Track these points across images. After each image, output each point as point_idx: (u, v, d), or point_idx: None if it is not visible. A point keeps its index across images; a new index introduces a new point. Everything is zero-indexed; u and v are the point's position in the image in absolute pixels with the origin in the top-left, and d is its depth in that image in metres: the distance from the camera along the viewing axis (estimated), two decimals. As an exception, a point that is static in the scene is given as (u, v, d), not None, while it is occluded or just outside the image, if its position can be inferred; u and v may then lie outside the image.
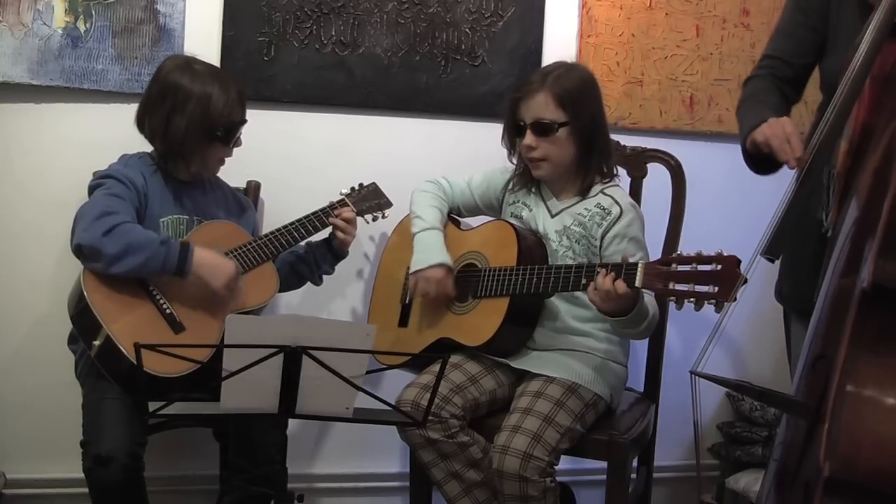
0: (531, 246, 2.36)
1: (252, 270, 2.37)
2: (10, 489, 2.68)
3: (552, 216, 2.42)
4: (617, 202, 2.35)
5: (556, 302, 2.38)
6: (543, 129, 2.33)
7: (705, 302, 1.97)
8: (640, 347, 2.70)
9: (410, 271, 2.43)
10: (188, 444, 2.70)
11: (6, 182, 2.63)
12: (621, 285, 2.07)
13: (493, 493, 2.28)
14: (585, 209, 2.37)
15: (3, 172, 2.63)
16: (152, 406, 1.76)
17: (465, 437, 2.29)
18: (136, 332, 2.10)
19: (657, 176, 2.67)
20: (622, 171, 2.56)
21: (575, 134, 2.34)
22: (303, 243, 2.52)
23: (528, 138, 2.34)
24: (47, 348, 2.57)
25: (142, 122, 2.35)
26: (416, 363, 2.40)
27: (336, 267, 2.61)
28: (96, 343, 2.17)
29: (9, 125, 2.62)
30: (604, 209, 2.35)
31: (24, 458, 2.69)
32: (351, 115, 2.83)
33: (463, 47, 2.86)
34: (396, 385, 2.36)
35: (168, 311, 2.24)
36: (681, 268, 2.01)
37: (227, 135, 2.35)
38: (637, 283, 2.07)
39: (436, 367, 2.19)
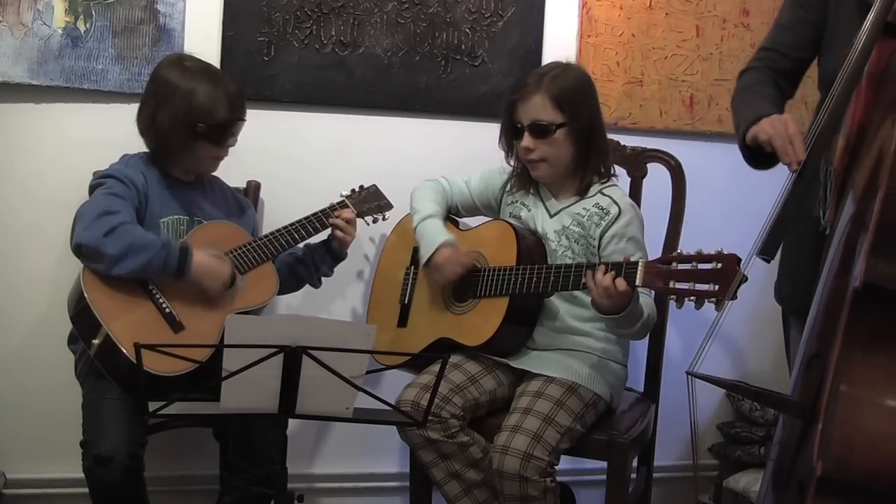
0: (530, 246, 2.37)
1: (252, 271, 2.37)
2: (10, 489, 2.68)
3: (551, 216, 2.42)
4: (615, 202, 2.35)
5: (556, 302, 2.38)
6: (541, 130, 2.33)
7: (706, 300, 1.97)
8: (640, 347, 2.70)
9: (422, 264, 2.43)
10: (188, 444, 2.70)
11: (6, 182, 2.63)
12: (621, 283, 2.07)
13: (493, 493, 2.28)
14: (584, 209, 2.37)
15: (3, 172, 2.63)
16: (152, 406, 1.76)
17: (465, 437, 2.29)
18: (135, 332, 2.10)
19: (657, 176, 2.67)
20: (622, 171, 2.57)
21: (573, 134, 2.34)
22: (301, 245, 2.52)
23: (526, 140, 2.34)
24: (47, 348, 2.57)
25: (138, 120, 2.36)
26: (416, 363, 2.40)
27: (334, 269, 2.61)
28: (96, 342, 2.17)
29: (9, 125, 2.62)
30: (602, 209, 2.35)
31: (24, 458, 2.69)
32: (351, 115, 2.83)
33: (463, 47, 2.86)
34: (396, 385, 2.36)
35: (168, 310, 2.24)
36: (681, 266, 2.02)
37: (211, 132, 2.32)
38: (637, 282, 2.07)
39: (436, 367, 2.19)
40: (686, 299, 2.00)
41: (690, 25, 3.01)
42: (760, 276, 2.02)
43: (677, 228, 2.61)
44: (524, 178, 2.46)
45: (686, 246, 2.11)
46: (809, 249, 1.99)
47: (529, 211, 2.45)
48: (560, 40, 2.92)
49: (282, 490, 1.97)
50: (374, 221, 2.67)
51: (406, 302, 2.54)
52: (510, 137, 2.42)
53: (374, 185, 2.69)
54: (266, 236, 2.43)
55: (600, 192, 2.39)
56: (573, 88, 2.33)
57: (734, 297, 1.92)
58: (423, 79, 2.84)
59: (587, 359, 2.35)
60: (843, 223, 1.71)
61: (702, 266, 1.99)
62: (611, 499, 2.31)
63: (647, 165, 2.68)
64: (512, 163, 2.48)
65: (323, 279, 2.61)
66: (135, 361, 1.77)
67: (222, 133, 2.34)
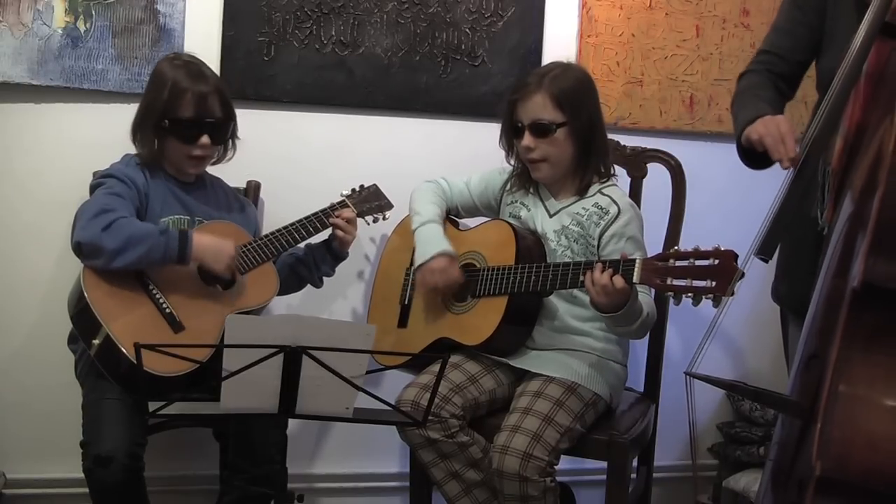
0: (530, 245, 2.37)
1: (252, 271, 2.37)
2: (10, 489, 2.68)
3: (550, 216, 2.42)
4: (615, 202, 2.35)
5: (555, 301, 2.38)
6: (541, 129, 2.33)
7: (703, 297, 1.97)
8: (640, 347, 2.70)
9: (414, 267, 2.43)
10: (188, 444, 2.70)
11: (6, 182, 2.63)
12: (619, 280, 2.07)
13: (493, 492, 2.28)
14: (583, 209, 2.38)
15: (3, 172, 2.63)
16: (152, 406, 1.76)
17: (465, 437, 2.29)
18: (135, 332, 2.10)
19: (657, 176, 2.67)
20: (622, 171, 2.57)
21: (573, 134, 2.34)
22: (302, 245, 2.52)
23: (527, 139, 2.34)
24: (47, 348, 2.57)
25: None
26: (416, 363, 2.40)
27: (336, 269, 2.61)
28: (96, 342, 2.17)
29: (9, 125, 2.62)
30: (601, 209, 2.35)
31: (24, 458, 2.69)
32: (351, 115, 2.83)
33: (463, 47, 2.86)
34: (396, 385, 2.36)
35: (168, 310, 2.24)
36: (678, 263, 2.02)
37: (175, 129, 2.31)
38: (635, 279, 2.07)
39: (435, 367, 2.20)
40: (684, 296, 2.00)
41: (690, 25, 3.01)
42: (759, 276, 2.02)
43: (677, 228, 2.61)
44: (524, 178, 2.46)
45: (686, 246, 2.11)
46: (807, 249, 1.99)
47: (529, 211, 2.45)
48: (560, 40, 2.92)
49: (282, 490, 1.97)
50: (375, 221, 2.67)
51: (406, 302, 2.54)
52: (511, 137, 2.42)
53: (375, 185, 2.69)
54: (266, 236, 2.43)
55: (600, 191, 2.39)
56: (574, 88, 2.33)
57: (732, 294, 1.92)
58: (423, 79, 2.84)
59: (587, 358, 2.35)
60: (842, 223, 1.71)
61: (699, 262, 1.99)
62: (611, 499, 2.31)
63: (647, 165, 2.68)
64: (512, 162, 2.48)
65: (324, 279, 2.61)
66: (135, 362, 1.77)
67: (188, 131, 2.32)
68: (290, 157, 2.80)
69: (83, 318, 2.20)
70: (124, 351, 2.13)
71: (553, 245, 2.39)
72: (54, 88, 2.59)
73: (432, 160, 2.84)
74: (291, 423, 2.15)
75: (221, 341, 1.83)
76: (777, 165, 1.97)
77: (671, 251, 2.05)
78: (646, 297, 2.26)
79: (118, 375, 2.17)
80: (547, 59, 2.87)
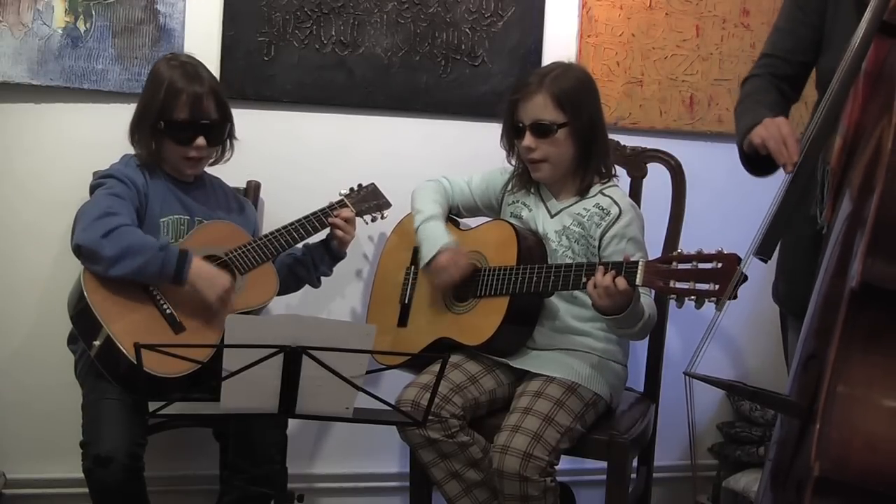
0: (531, 246, 2.37)
1: (252, 271, 2.37)
2: (10, 489, 2.68)
3: (551, 216, 2.42)
4: (616, 202, 2.35)
5: (556, 301, 2.38)
6: (542, 130, 2.33)
7: (706, 300, 1.97)
8: (640, 347, 2.70)
9: (421, 267, 2.43)
10: (188, 444, 2.70)
11: (6, 182, 2.63)
12: (621, 282, 2.07)
13: (493, 492, 2.28)
14: (584, 209, 2.38)
15: (3, 172, 2.63)
16: (152, 406, 1.76)
17: (465, 437, 2.29)
18: (136, 333, 2.10)
19: (657, 176, 2.67)
20: (622, 171, 2.57)
21: (574, 134, 2.34)
22: (300, 245, 2.52)
23: (528, 139, 2.34)
24: (47, 348, 2.57)
25: None
26: (416, 363, 2.40)
27: (334, 269, 2.61)
28: (96, 343, 2.17)
29: (9, 125, 2.62)
30: (602, 209, 2.35)
31: (24, 458, 2.69)
32: (351, 115, 2.83)
33: (463, 47, 2.86)
34: (396, 385, 2.36)
35: (168, 311, 2.24)
36: (681, 266, 2.02)
37: (171, 130, 2.31)
38: (638, 282, 2.07)
39: (436, 367, 2.20)
40: (686, 299, 2.00)
41: (690, 25, 3.01)
42: (759, 277, 2.02)
43: (677, 228, 2.61)
44: (525, 178, 2.46)
45: (686, 246, 2.11)
46: (807, 249, 1.99)
47: (530, 211, 2.45)
48: (560, 40, 2.92)
49: (282, 490, 1.97)
50: (373, 220, 2.67)
51: (406, 302, 2.54)
52: (511, 137, 2.42)
53: (373, 184, 2.69)
54: (265, 236, 2.43)
55: (601, 192, 2.39)
56: (575, 88, 2.33)
57: (734, 297, 1.92)
58: (423, 79, 2.84)
59: (587, 359, 2.35)
60: (840, 222, 1.71)
61: (702, 265, 1.99)
62: (611, 499, 2.31)
63: (647, 165, 2.68)
64: (513, 162, 2.48)
65: (322, 279, 2.61)
66: (135, 362, 1.77)
67: (182, 133, 2.32)
68: (290, 157, 2.80)
69: (83, 319, 2.20)
70: (125, 352, 2.13)
71: (554, 245, 2.39)
72: (54, 88, 2.59)
73: (432, 160, 2.84)
74: (291, 423, 2.15)
75: (221, 341, 1.83)
76: (779, 170, 1.97)
77: (674, 254, 2.06)
78: (647, 298, 2.26)
79: (118, 376, 2.17)
80: (547, 59, 2.87)
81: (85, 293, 2.18)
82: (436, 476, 2.32)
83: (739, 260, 1.92)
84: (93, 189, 2.32)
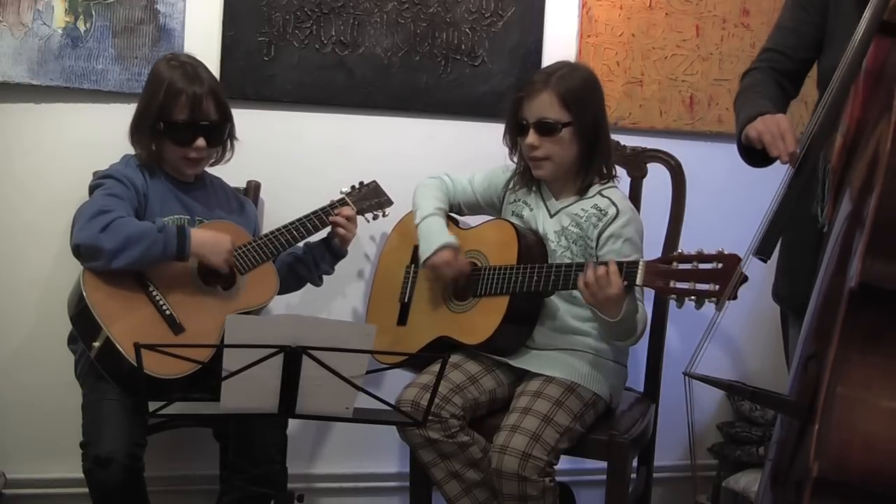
0: (531, 245, 2.37)
1: (252, 271, 2.37)
2: (10, 489, 2.68)
3: (551, 216, 2.42)
4: (614, 203, 2.35)
5: (556, 301, 2.38)
6: (547, 128, 2.33)
7: (706, 300, 1.98)
8: (640, 347, 2.68)
9: (421, 261, 2.43)
10: (188, 444, 2.70)
11: (6, 182, 2.63)
12: (614, 269, 2.07)
13: (492, 492, 2.28)
14: (582, 209, 2.37)
15: (3, 172, 2.63)
16: (152, 406, 1.76)
17: (465, 437, 2.29)
18: (135, 334, 2.09)
19: (657, 176, 2.67)
20: (622, 172, 2.56)
21: (577, 134, 2.34)
22: (301, 244, 2.52)
23: (531, 137, 2.34)
24: (47, 348, 2.57)
25: None
26: (416, 363, 2.41)
27: (335, 267, 2.61)
28: (96, 345, 2.17)
29: (9, 125, 2.62)
30: (600, 210, 2.35)
31: (24, 458, 2.69)
32: (351, 115, 2.83)
33: (463, 47, 2.86)
34: (396, 385, 2.36)
35: (168, 312, 2.24)
36: (682, 266, 2.02)
37: (171, 131, 2.31)
38: (638, 281, 2.08)
39: (435, 367, 2.20)
40: (686, 299, 2.00)
41: (690, 25, 3.01)
42: (759, 277, 2.02)
43: (677, 228, 2.61)
44: (527, 177, 2.46)
45: (686, 246, 2.11)
46: (808, 248, 2.00)
47: (531, 210, 2.45)
48: (560, 40, 2.92)
49: (282, 490, 1.97)
50: (375, 218, 2.67)
51: (406, 300, 2.54)
52: (515, 134, 2.42)
53: (374, 182, 2.69)
54: (266, 236, 2.43)
55: (599, 193, 2.39)
56: (580, 88, 2.33)
57: (734, 297, 1.92)
58: (423, 79, 2.84)
59: (587, 358, 2.35)
60: (840, 222, 1.71)
61: (702, 266, 1.99)
62: (611, 499, 2.31)
63: (647, 165, 2.68)
64: (515, 160, 2.48)
65: (324, 278, 2.61)
66: (135, 364, 1.77)
67: (182, 134, 2.31)
68: (290, 157, 2.80)
69: (83, 320, 2.20)
70: (124, 353, 2.13)
71: (553, 246, 2.39)
72: (54, 88, 2.59)
73: (432, 160, 2.84)
74: (291, 423, 2.15)
75: (221, 341, 1.83)
76: (777, 164, 1.97)
77: (674, 254, 2.06)
78: (641, 308, 2.26)
79: (118, 377, 2.16)
80: (547, 59, 2.87)
81: (84, 294, 2.18)
82: (436, 476, 2.32)
83: (740, 260, 1.92)
84: (92, 190, 2.32)
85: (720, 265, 1.97)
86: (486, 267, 2.39)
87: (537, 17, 2.90)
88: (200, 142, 2.33)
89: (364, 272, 2.88)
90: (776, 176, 1.95)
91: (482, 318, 2.35)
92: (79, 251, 2.20)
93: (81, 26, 2.59)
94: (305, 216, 2.49)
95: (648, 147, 2.70)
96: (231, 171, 2.53)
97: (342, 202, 2.57)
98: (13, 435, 2.68)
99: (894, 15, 1.78)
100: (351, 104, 2.82)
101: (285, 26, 2.73)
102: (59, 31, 2.57)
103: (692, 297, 1.99)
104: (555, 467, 2.18)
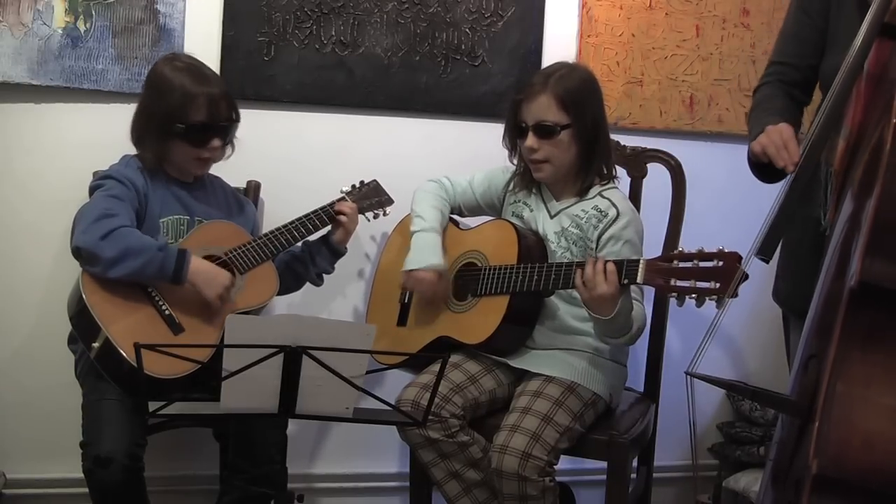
0: (531, 245, 2.37)
1: (252, 270, 2.37)
2: (10, 489, 2.68)
3: (551, 217, 2.42)
4: (614, 204, 2.35)
5: (556, 301, 2.38)
6: (546, 131, 2.32)
7: (707, 298, 1.98)
8: (640, 347, 2.69)
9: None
10: (188, 444, 2.70)
11: (6, 182, 2.63)
12: (611, 266, 2.07)
13: (492, 492, 2.28)
14: (583, 210, 2.37)
15: (3, 172, 2.63)
16: (152, 406, 1.76)
17: (465, 437, 2.29)
18: (135, 334, 2.09)
19: (657, 176, 2.67)
20: (622, 172, 2.56)
21: (577, 136, 2.34)
22: (300, 243, 2.52)
23: (530, 140, 2.34)
24: (47, 348, 2.57)
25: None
26: (416, 363, 2.41)
27: (335, 265, 2.61)
28: (96, 345, 2.16)
29: (9, 125, 2.62)
30: (600, 211, 2.35)
31: (24, 458, 2.69)
32: (351, 115, 2.83)
33: (463, 47, 2.86)
34: (396, 385, 2.36)
35: (167, 312, 2.24)
36: (682, 264, 2.02)
37: (187, 133, 2.30)
38: (639, 279, 2.08)
39: (435, 367, 2.20)
40: (687, 297, 2.00)
41: (690, 25, 3.01)
42: (759, 276, 2.02)
43: (677, 228, 2.61)
44: (527, 178, 2.46)
45: (686, 246, 2.11)
46: (810, 250, 2.00)
47: (532, 211, 2.45)
48: (560, 40, 2.92)
49: (282, 490, 1.97)
50: (375, 217, 2.67)
51: (406, 301, 2.54)
52: (514, 137, 2.42)
53: (375, 181, 2.69)
54: (265, 235, 2.43)
55: (600, 194, 2.38)
56: (579, 89, 2.33)
57: (735, 295, 1.92)
58: (423, 79, 2.84)
59: (586, 358, 2.35)
60: (842, 223, 1.71)
61: (703, 264, 2.00)
62: (611, 499, 2.31)
63: (647, 165, 2.68)
64: (515, 162, 2.48)
65: (325, 276, 2.60)
66: (135, 364, 1.76)
67: (200, 135, 2.32)
68: (290, 157, 2.80)
69: (82, 321, 2.20)
70: (124, 354, 2.13)
71: (553, 247, 2.39)
72: (54, 88, 2.59)
73: (432, 160, 2.84)
74: (291, 422, 2.15)
75: (221, 341, 1.83)
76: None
77: (675, 252, 2.06)
78: (638, 305, 2.26)
79: (119, 378, 2.16)
80: (547, 59, 2.87)
81: (83, 295, 2.18)
82: (436, 476, 2.32)
83: (740, 258, 1.92)
84: (92, 190, 2.32)
85: (721, 263, 1.97)
86: (486, 267, 2.39)
87: (537, 17, 2.90)
88: (216, 142, 2.34)
89: (364, 272, 2.88)
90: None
91: (482, 318, 2.35)
92: (79, 254, 2.20)
93: (81, 26, 2.59)
94: (305, 215, 2.49)
95: (648, 147, 2.70)
96: (231, 171, 2.53)
97: (342, 201, 2.57)
98: (13, 435, 2.68)
99: (895, 18, 1.78)
100: (351, 104, 2.82)
101: (285, 26, 2.73)
102: (59, 31, 2.57)
103: (693, 295, 1.99)
104: (555, 467, 2.18)
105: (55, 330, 2.44)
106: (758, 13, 3.03)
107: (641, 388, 2.66)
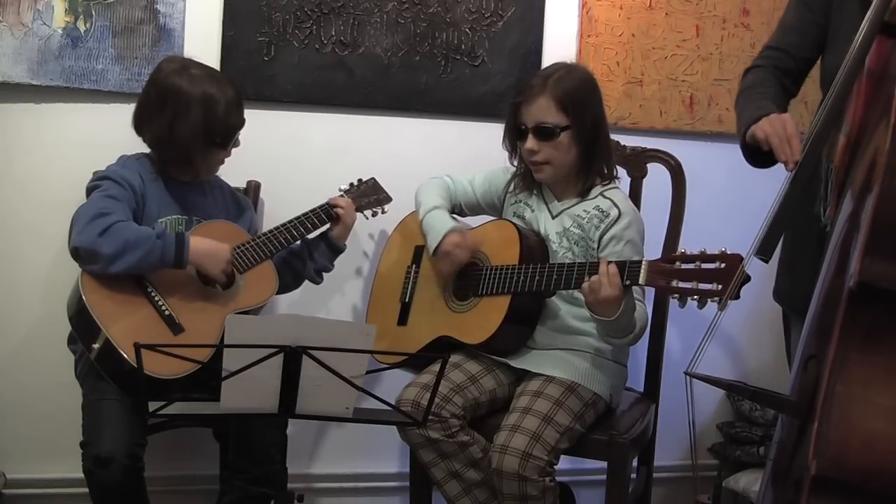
0: (532, 245, 2.37)
1: (251, 270, 2.37)
2: (10, 489, 2.68)
3: (553, 217, 2.42)
4: (616, 204, 2.35)
5: (556, 301, 2.38)
6: (545, 133, 2.32)
7: (708, 300, 1.98)
8: (640, 347, 2.69)
9: (430, 255, 2.42)
10: (188, 444, 2.70)
11: (6, 182, 2.63)
12: (613, 269, 2.07)
13: (492, 492, 2.28)
14: (584, 211, 2.37)
15: (3, 172, 2.63)
16: (152, 406, 1.76)
17: (466, 437, 2.29)
18: (135, 335, 2.09)
19: (657, 176, 2.67)
20: (622, 172, 2.56)
21: (577, 137, 2.33)
22: (299, 242, 2.52)
23: (530, 142, 2.34)
24: (47, 348, 2.57)
25: (140, 127, 2.34)
26: (416, 362, 2.41)
27: (334, 262, 2.61)
28: (95, 346, 2.16)
29: (9, 125, 2.62)
30: (602, 211, 2.35)
31: (24, 458, 2.69)
32: (351, 115, 2.83)
33: (463, 47, 2.86)
34: (396, 385, 2.36)
35: (167, 312, 2.24)
36: (684, 266, 2.02)
37: (225, 140, 2.35)
38: (641, 280, 2.08)
39: (436, 367, 2.20)
40: (689, 298, 2.00)
41: (690, 25, 3.01)
42: (759, 277, 2.02)
43: (677, 228, 2.61)
44: (528, 179, 2.46)
45: (686, 246, 2.11)
46: (810, 247, 2.00)
47: (533, 212, 2.45)
48: (560, 40, 2.92)
49: (282, 490, 1.97)
50: (374, 215, 2.67)
51: (406, 300, 2.54)
52: (514, 139, 2.41)
53: (373, 179, 2.69)
54: (264, 234, 2.43)
55: (601, 194, 2.38)
56: (578, 90, 2.33)
57: (737, 297, 1.92)
58: (423, 79, 2.84)
59: (587, 358, 2.35)
60: (842, 222, 1.71)
61: (705, 265, 2.00)
62: (611, 499, 2.31)
63: (647, 165, 2.68)
64: (515, 163, 2.48)
65: (324, 275, 2.60)
66: (135, 365, 1.76)
67: (233, 139, 2.37)
68: (290, 157, 2.80)
69: (82, 322, 2.20)
70: (124, 354, 2.13)
71: (554, 247, 2.39)
72: (54, 88, 2.59)
73: (432, 160, 2.84)
74: (291, 422, 2.15)
75: (221, 341, 1.83)
76: (778, 165, 1.97)
77: (677, 254, 2.06)
78: (640, 306, 2.26)
79: (119, 378, 2.16)
80: (547, 59, 2.87)
81: (83, 296, 2.18)
82: (436, 476, 2.32)
83: (742, 260, 1.92)
84: (89, 191, 2.31)
85: (723, 265, 1.97)
86: (488, 266, 2.39)
87: (537, 17, 2.90)
88: (238, 140, 2.38)
89: (363, 270, 2.88)
90: (776, 176, 1.95)
91: (483, 318, 2.35)
92: (77, 254, 2.20)
93: (81, 26, 2.59)
94: (304, 214, 2.50)
95: (648, 147, 2.70)
96: (231, 171, 2.53)
97: (339, 198, 2.57)
98: (13, 435, 2.68)
99: (895, 17, 1.78)
100: (351, 104, 2.82)
101: (285, 26, 2.73)
102: (59, 31, 2.57)
103: (695, 297, 1.99)
104: (555, 467, 2.18)
105: (55, 330, 2.44)
106: (758, 13, 3.03)
107: (641, 388, 2.66)
